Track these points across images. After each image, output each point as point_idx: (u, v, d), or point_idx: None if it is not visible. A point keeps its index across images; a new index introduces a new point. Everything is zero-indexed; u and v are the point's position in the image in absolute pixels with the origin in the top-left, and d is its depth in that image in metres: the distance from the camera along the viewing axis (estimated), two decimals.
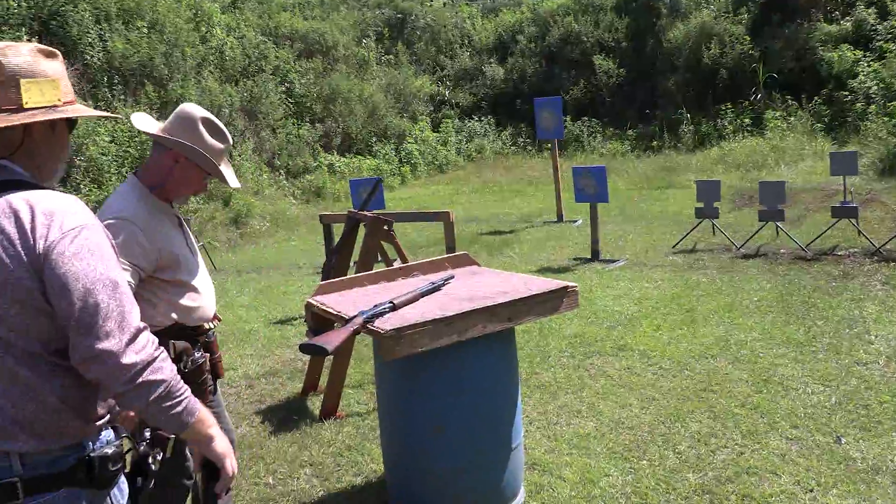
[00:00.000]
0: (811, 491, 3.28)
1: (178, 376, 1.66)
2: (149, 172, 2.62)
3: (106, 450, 1.62)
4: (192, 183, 2.65)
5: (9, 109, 1.56)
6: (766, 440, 3.79)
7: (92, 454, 1.60)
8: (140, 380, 1.54)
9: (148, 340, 1.59)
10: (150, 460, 1.77)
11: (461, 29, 23.63)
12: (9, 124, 1.55)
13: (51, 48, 1.69)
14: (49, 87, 1.62)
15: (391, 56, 21.48)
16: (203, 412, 1.74)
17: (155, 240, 2.50)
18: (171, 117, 2.64)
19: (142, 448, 1.79)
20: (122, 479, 1.70)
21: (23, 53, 1.60)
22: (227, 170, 2.71)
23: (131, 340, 1.55)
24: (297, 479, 3.78)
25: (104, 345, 1.51)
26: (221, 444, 1.80)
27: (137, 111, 12.47)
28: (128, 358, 1.53)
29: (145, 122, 2.66)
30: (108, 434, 1.67)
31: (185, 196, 2.70)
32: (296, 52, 18.06)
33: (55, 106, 1.63)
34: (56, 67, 1.67)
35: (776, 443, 3.75)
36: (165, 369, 1.61)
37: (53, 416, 1.54)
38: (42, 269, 1.49)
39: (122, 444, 1.70)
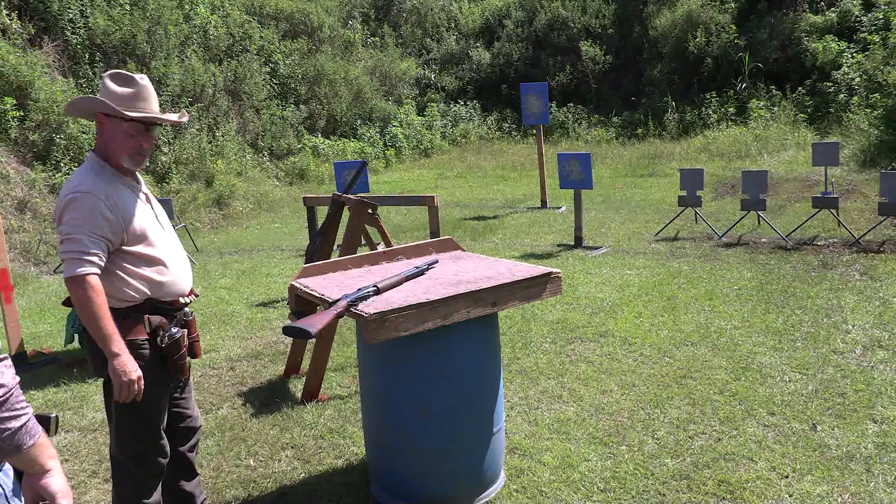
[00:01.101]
0: (786, 477, 3.33)
1: (20, 389, 1.49)
2: (97, 145, 2.65)
3: None
4: (124, 137, 2.58)
5: None
6: (744, 427, 3.84)
7: None
8: None
9: None
10: None
11: (448, 12, 23.49)
12: None
13: None
14: None
15: (377, 38, 21.34)
16: (45, 439, 1.53)
17: (117, 210, 2.51)
18: None
19: None
20: (7, 466, 1.59)
21: None
22: (145, 112, 2.61)
23: None
24: (278, 462, 3.78)
25: None
26: (59, 481, 1.57)
27: None
28: None
29: (71, 105, 2.65)
30: None
31: (132, 156, 2.62)
32: (281, 32, 17.88)
33: None
34: None
35: (753, 429, 3.81)
36: (6, 375, 1.46)
37: None
38: None
39: None
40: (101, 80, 2.61)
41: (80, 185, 2.48)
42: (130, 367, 2.46)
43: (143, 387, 2.51)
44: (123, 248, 2.53)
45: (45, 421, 1.68)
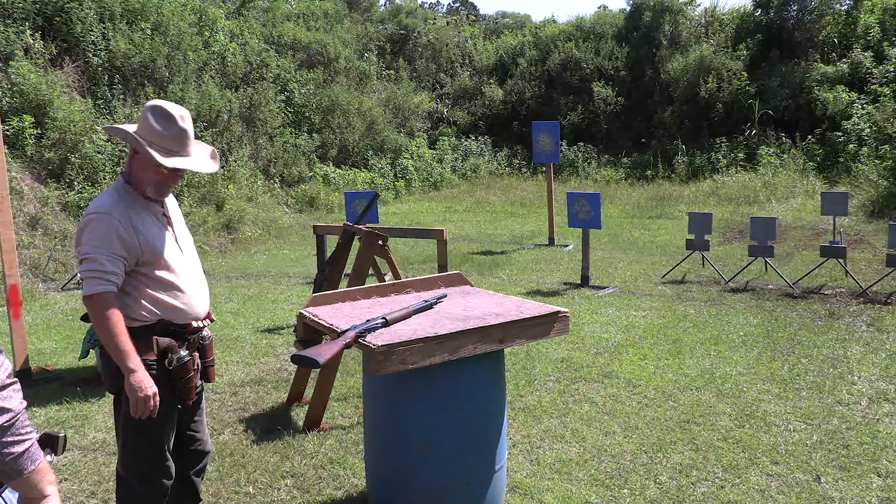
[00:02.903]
0: None
1: (25, 414, 1.52)
2: (126, 168, 2.71)
3: None
4: (154, 173, 2.64)
5: None
6: (747, 475, 3.81)
7: None
8: None
9: (1, 365, 1.49)
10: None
11: (462, 48, 23.83)
12: None
13: None
14: None
15: (392, 71, 21.61)
16: (45, 465, 1.55)
17: (135, 232, 2.57)
18: None
19: None
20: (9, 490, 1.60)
21: None
22: (183, 158, 2.66)
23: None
24: (277, 490, 3.77)
25: None
26: None
27: (136, 113, 12.48)
28: None
29: (115, 128, 2.71)
30: None
31: (154, 187, 2.67)
32: (297, 61, 18.13)
33: None
34: None
35: (756, 478, 3.78)
36: (14, 399, 1.49)
37: None
38: None
39: None
40: (143, 110, 2.65)
41: (100, 206, 2.55)
42: (147, 384, 2.49)
43: (158, 403, 2.53)
44: (138, 269, 2.59)
45: (52, 440, 1.70)
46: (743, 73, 17.84)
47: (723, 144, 17.14)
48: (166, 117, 2.63)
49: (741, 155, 16.65)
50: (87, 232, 2.51)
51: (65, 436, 1.73)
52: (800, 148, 15.96)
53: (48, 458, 1.68)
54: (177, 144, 2.64)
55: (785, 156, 15.90)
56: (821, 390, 5.00)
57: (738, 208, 13.49)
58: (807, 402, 4.79)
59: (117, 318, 2.47)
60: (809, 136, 16.02)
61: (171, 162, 2.60)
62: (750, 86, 17.52)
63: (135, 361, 2.49)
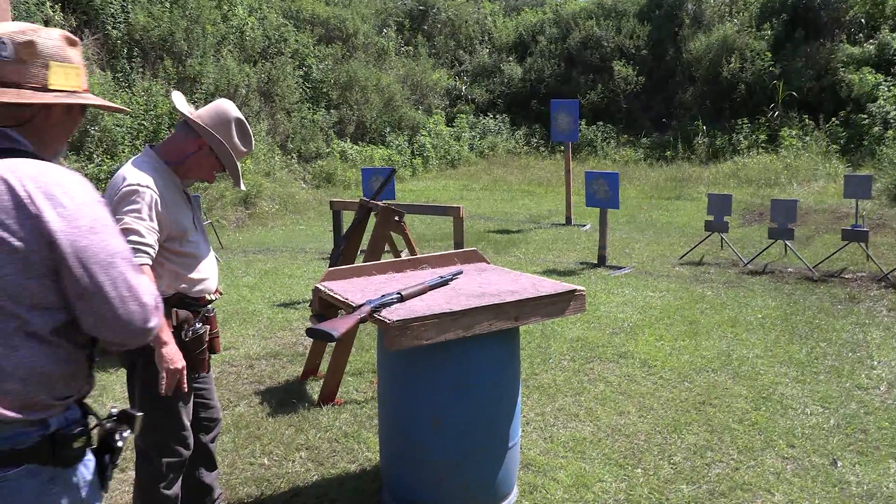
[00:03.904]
0: None
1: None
2: (168, 149, 2.72)
3: (70, 428, 1.60)
4: (206, 171, 2.78)
5: (34, 87, 1.63)
6: (762, 457, 3.79)
7: (56, 432, 1.57)
8: (151, 336, 1.66)
9: (159, 302, 1.68)
10: (117, 437, 1.73)
11: (482, 25, 23.60)
12: (37, 101, 1.61)
13: (74, 37, 1.75)
14: (73, 74, 1.69)
15: (410, 47, 21.46)
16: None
17: (168, 210, 2.58)
18: (208, 107, 2.76)
19: (108, 425, 1.74)
20: (89, 455, 1.67)
21: (53, 38, 1.67)
22: (239, 167, 2.85)
23: (156, 307, 1.63)
24: (292, 462, 3.79)
25: (132, 314, 1.57)
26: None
27: (155, 86, 12.48)
28: (153, 322, 1.62)
29: (183, 103, 2.76)
30: (73, 413, 1.64)
31: (192, 180, 2.82)
32: (316, 37, 18.05)
33: (76, 91, 1.70)
34: (79, 56, 1.74)
35: (772, 461, 3.75)
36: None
37: (23, 385, 1.52)
38: (56, 240, 1.49)
39: (87, 423, 1.66)
40: (221, 115, 2.74)
41: (140, 179, 2.52)
42: (178, 357, 2.51)
43: (185, 377, 2.55)
44: (164, 244, 2.59)
45: (130, 418, 1.76)
46: (767, 53, 17.56)
47: (744, 126, 16.91)
48: (246, 136, 2.80)
49: (763, 136, 16.43)
50: (126, 203, 2.48)
51: (143, 414, 1.77)
52: (823, 130, 15.73)
53: (125, 433, 1.74)
54: (243, 158, 2.86)
55: (808, 138, 15.68)
56: (839, 374, 4.95)
57: (758, 190, 13.34)
58: (825, 386, 4.74)
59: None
60: (833, 118, 15.77)
61: (241, 184, 2.85)
62: (774, 66, 17.25)
63: (167, 334, 2.50)
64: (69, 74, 1.68)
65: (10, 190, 1.49)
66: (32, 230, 1.49)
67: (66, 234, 1.50)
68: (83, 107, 1.75)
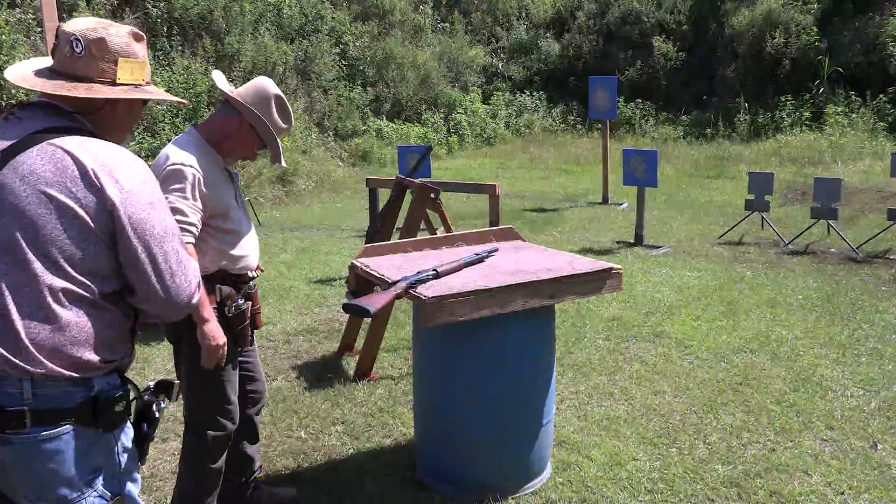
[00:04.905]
0: (842, 493, 3.24)
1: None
2: (211, 128, 2.76)
3: (112, 392, 1.69)
4: (247, 149, 2.82)
5: (104, 82, 1.75)
6: (800, 439, 3.75)
7: (98, 394, 1.66)
8: (190, 311, 1.86)
9: (200, 280, 1.84)
10: (155, 408, 1.81)
11: (519, 1, 23.29)
12: (107, 96, 1.74)
13: (140, 32, 1.86)
14: (139, 68, 1.81)
15: (447, 24, 21.30)
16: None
17: (211, 188, 2.62)
18: (247, 86, 2.79)
19: (147, 396, 1.82)
20: (128, 425, 1.76)
21: (122, 35, 1.79)
22: (280, 145, 2.87)
23: (199, 284, 1.79)
24: (328, 436, 3.86)
25: (178, 288, 1.73)
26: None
27: (195, 64, 12.60)
28: (196, 298, 1.78)
29: (223, 82, 2.79)
30: (114, 379, 1.73)
31: (234, 158, 2.85)
32: (352, 14, 18.02)
33: (139, 85, 1.81)
34: (144, 50, 1.85)
35: (809, 442, 3.71)
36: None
37: (71, 346, 1.61)
38: (117, 211, 1.63)
39: (128, 391, 1.75)
40: (261, 93, 2.74)
41: (184, 158, 2.57)
42: (219, 334, 2.56)
43: (226, 353, 2.60)
44: (207, 221, 2.63)
45: (168, 386, 1.86)
46: (813, 27, 17.05)
47: (788, 103, 16.49)
48: (286, 114, 2.81)
49: (807, 114, 16.02)
50: (170, 182, 2.52)
51: (179, 382, 1.88)
52: (870, 107, 15.27)
53: (163, 403, 1.83)
54: (284, 135, 2.88)
55: (854, 115, 15.24)
56: (881, 357, 4.86)
57: (801, 169, 13.04)
58: (866, 368, 4.66)
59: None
60: (881, 95, 15.28)
61: (281, 157, 2.83)
62: (820, 41, 16.75)
63: (209, 311, 2.55)
64: (135, 69, 1.80)
65: (78, 163, 1.62)
66: (96, 201, 1.62)
67: (126, 206, 1.64)
68: (144, 100, 1.86)
